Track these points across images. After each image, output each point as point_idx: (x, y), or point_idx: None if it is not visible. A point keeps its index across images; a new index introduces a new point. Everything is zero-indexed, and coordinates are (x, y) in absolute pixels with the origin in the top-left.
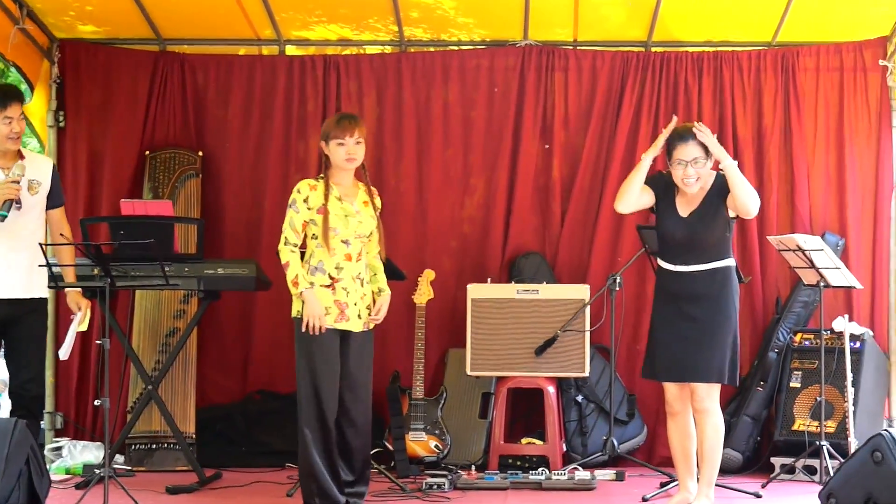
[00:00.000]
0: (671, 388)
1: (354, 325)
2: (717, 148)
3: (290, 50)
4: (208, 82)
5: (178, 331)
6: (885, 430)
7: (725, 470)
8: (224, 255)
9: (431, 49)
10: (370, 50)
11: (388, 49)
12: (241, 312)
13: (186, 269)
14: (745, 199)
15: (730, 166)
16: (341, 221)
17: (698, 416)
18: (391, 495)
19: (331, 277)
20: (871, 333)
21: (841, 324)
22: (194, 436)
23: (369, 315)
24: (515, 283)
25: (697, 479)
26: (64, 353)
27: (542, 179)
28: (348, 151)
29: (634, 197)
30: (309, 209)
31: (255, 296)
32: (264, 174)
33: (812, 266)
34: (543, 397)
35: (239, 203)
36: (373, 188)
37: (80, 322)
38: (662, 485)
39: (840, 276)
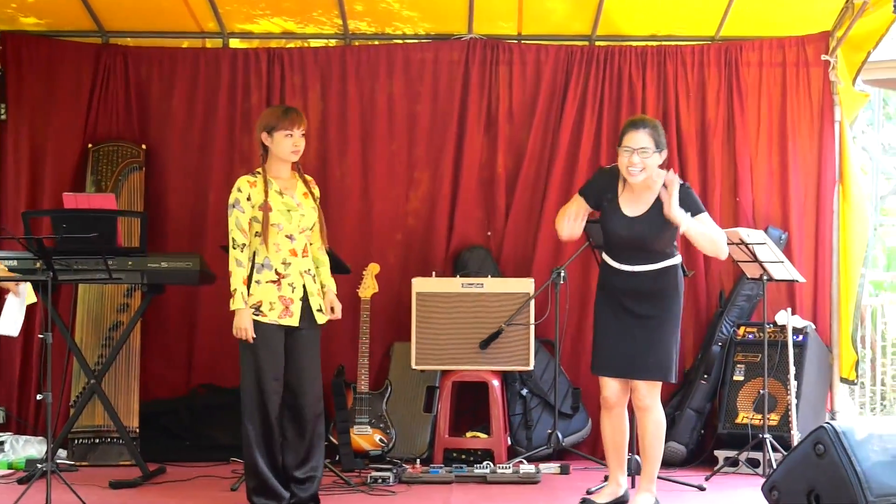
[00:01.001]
0: (610, 383)
1: (296, 321)
2: (677, 211)
3: (234, 43)
4: (151, 75)
5: (121, 325)
6: (828, 422)
7: (669, 463)
8: (167, 249)
9: (376, 42)
10: (314, 43)
11: (332, 42)
12: (185, 306)
13: (130, 263)
14: (711, 251)
15: (688, 228)
16: (284, 216)
17: (640, 413)
18: (336, 489)
19: (277, 273)
20: (813, 327)
21: (784, 317)
22: (138, 430)
23: (332, 311)
24: (460, 276)
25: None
26: (6, 328)
27: (486, 173)
28: (295, 143)
29: (569, 225)
30: (252, 206)
31: (200, 289)
32: (208, 167)
33: (755, 260)
34: (488, 391)
35: (182, 196)
36: (308, 178)
37: (22, 295)
38: (607, 478)
39: (783, 269)
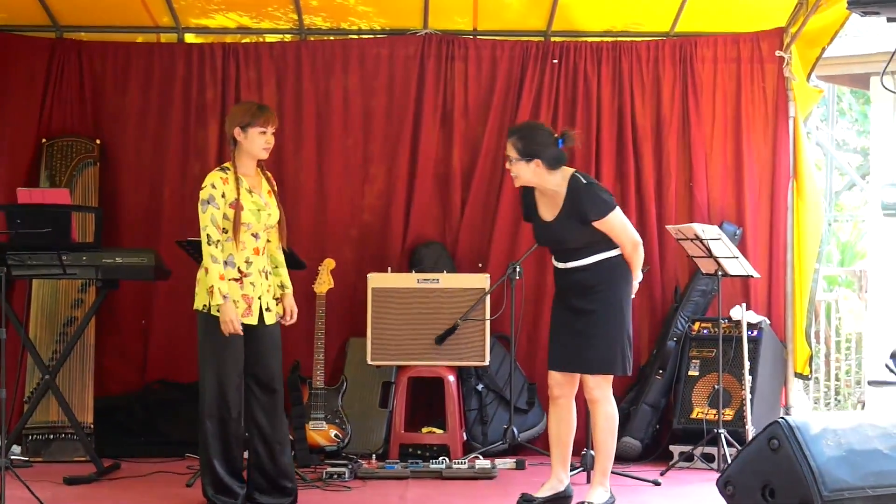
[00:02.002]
0: (555, 375)
1: (255, 320)
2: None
3: (189, 38)
4: (106, 70)
5: (75, 320)
6: (782, 417)
7: (625, 458)
8: (122, 244)
9: (331, 38)
10: (269, 38)
11: (287, 37)
12: (140, 302)
13: (84, 259)
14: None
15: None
16: (254, 215)
17: (591, 407)
18: None
19: (240, 271)
20: (768, 322)
21: (738, 312)
22: (92, 426)
23: (282, 314)
24: (416, 272)
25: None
26: None
27: (441, 168)
28: (267, 140)
29: None
30: (224, 203)
31: (154, 285)
32: (163, 163)
33: (710, 255)
34: (444, 386)
35: (137, 192)
36: (269, 174)
37: None
38: None
39: (737, 265)
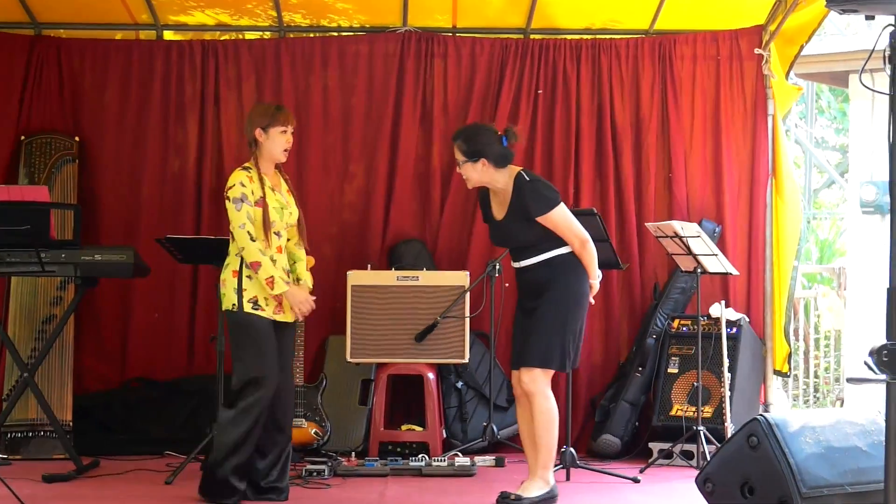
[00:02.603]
0: (514, 374)
1: (290, 317)
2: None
3: (168, 35)
4: (84, 67)
5: (54, 318)
6: (761, 414)
7: (604, 455)
8: (101, 242)
9: (311, 35)
10: (249, 35)
11: (266, 35)
12: (119, 299)
13: (63, 256)
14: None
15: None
16: (277, 214)
17: (525, 401)
18: None
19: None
20: (747, 319)
21: (717, 310)
22: (71, 424)
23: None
24: (395, 269)
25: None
26: None
27: (421, 166)
28: (287, 140)
29: None
30: (252, 203)
31: (134, 282)
32: (142, 160)
33: (689, 253)
34: (423, 384)
35: (116, 189)
36: (286, 175)
37: None
38: None
39: (716, 262)
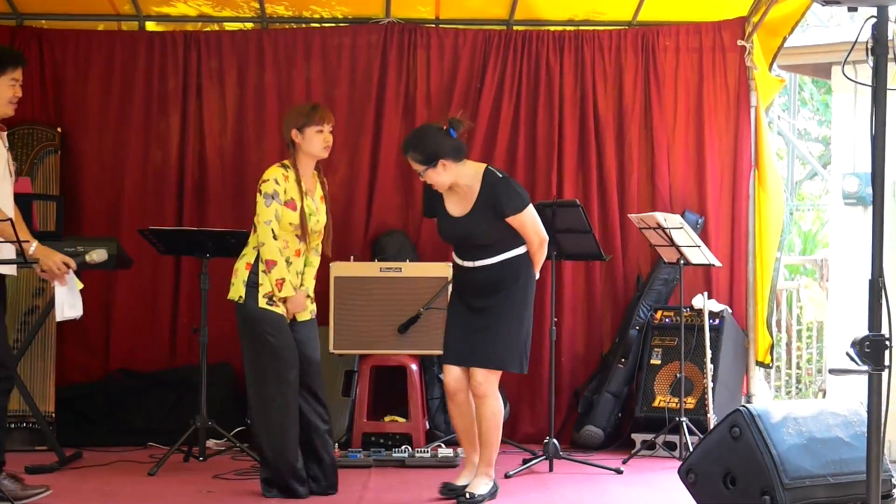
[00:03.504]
0: (453, 370)
1: (307, 315)
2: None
3: (150, 26)
4: (67, 58)
5: (37, 309)
6: (744, 406)
7: (587, 446)
8: (84, 233)
9: (293, 26)
10: (231, 27)
11: (249, 26)
12: (102, 291)
13: None
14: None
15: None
16: (305, 219)
17: (477, 401)
18: (254, 473)
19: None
20: (729, 311)
21: (700, 301)
22: (54, 415)
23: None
24: (378, 260)
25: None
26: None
27: (404, 158)
28: (325, 139)
29: None
30: (282, 202)
31: (116, 274)
32: (124, 151)
33: (672, 244)
34: (407, 375)
35: (99, 180)
36: (324, 178)
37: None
38: (525, 461)
39: (699, 254)
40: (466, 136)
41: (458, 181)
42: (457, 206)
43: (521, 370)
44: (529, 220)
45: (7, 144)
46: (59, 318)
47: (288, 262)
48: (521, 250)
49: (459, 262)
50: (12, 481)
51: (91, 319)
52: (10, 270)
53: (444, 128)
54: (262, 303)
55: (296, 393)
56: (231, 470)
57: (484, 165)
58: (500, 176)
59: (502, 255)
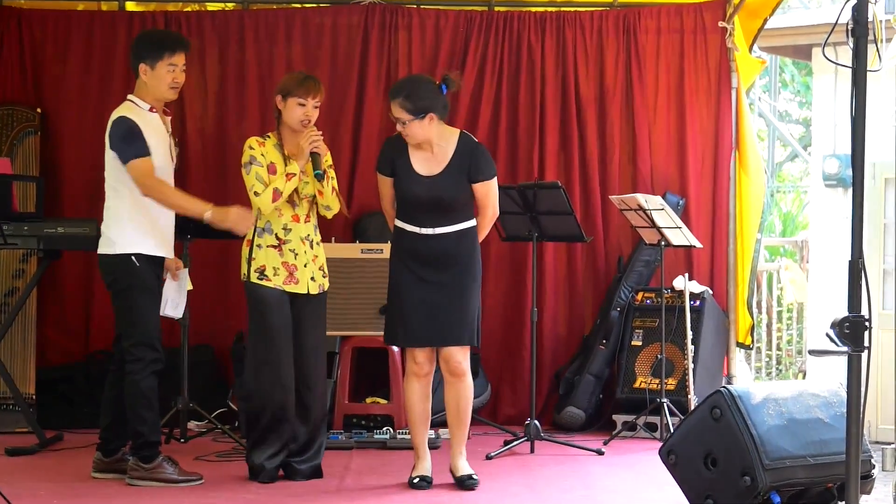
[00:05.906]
0: (421, 353)
1: (303, 288)
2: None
3: (130, 6)
4: (46, 38)
5: (17, 291)
6: (724, 387)
7: (568, 428)
8: (64, 214)
9: (274, 6)
10: (211, 6)
11: (230, 6)
12: (83, 272)
13: (25, 229)
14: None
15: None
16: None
17: (454, 380)
18: (235, 456)
19: (278, 238)
20: (710, 292)
21: (681, 282)
22: (34, 397)
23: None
24: (360, 242)
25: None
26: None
27: (385, 138)
28: (306, 113)
29: (393, 210)
30: (263, 165)
31: (97, 255)
32: (105, 131)
33: (653, 225)
34: (388, 356)
35: (79, 161)
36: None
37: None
38: (506, 443)
39: (680, 235)
40: (448, 118)
41: (437, 140)
42: (424, 165)
43: (477, 344)
44: (493, 191)
45: (170, 129)
46: (161, 314)
47: (286, 230)
48: (473, 222)
49: (414, 228)
50: (170, 464)
51: (72, 301)
52: None
53: (437, 83)
54: (253, 277)
55: (288, 366)
56: (212, 452)
57: (458, 129)
58: (476, 141)
59: (460, 225)
